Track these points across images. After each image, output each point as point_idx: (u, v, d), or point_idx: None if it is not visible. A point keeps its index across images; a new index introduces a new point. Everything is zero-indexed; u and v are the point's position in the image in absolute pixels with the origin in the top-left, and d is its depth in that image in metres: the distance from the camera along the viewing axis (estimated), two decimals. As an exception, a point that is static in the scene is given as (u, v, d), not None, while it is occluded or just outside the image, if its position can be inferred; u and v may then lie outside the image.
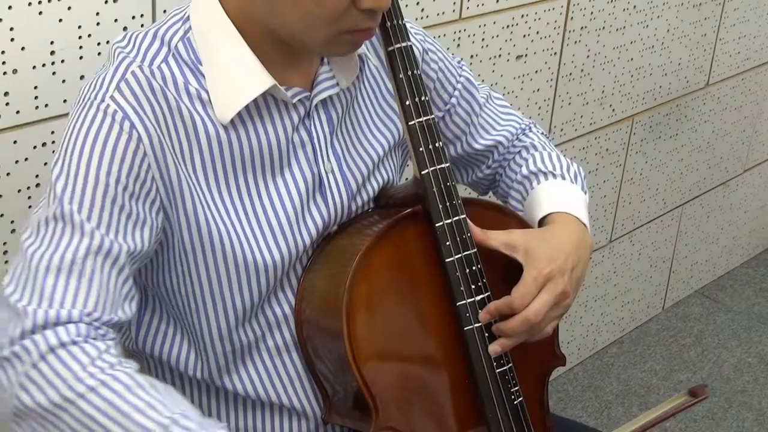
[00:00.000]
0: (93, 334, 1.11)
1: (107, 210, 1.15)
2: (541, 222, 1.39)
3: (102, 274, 1.14)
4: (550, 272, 1.28)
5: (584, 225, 1.38)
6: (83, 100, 1.19)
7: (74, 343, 1.09)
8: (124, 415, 1.06)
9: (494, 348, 1.29)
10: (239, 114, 1.22)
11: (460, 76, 1.47)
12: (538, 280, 1.28)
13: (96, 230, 1.14)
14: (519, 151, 1.50)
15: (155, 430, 1.06)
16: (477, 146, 1.50)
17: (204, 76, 1.21)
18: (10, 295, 1.12)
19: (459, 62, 1.49)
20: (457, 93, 1.47)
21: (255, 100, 1.23)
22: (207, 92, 1.21)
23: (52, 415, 1.07)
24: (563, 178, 1.44)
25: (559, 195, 1.41)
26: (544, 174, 1.44)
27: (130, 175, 1.16)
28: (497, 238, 1.31)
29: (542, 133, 1.55)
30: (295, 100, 1.26)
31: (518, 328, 1.27)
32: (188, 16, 1.24)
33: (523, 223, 1.39)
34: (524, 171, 1.46)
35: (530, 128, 1.54)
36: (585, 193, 1.45)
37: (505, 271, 1.32)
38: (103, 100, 1.17)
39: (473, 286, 1.28)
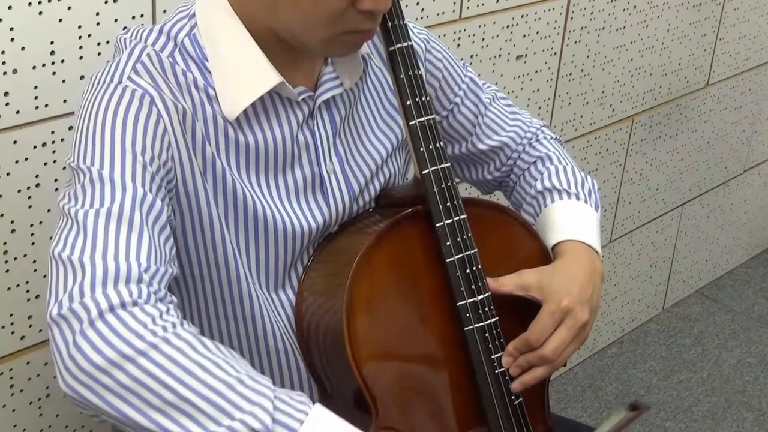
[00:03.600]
0: (153, 298, 1.05)
1: (139, 174, 1.12)
2: (553, 249, 1.39)
3: (148, 228, 1.10)
4: (567, 305, 1.28)
5: (595, 251, 1.38)
6: (98, 83, 1.18)
7: (135, 303, 1.03)
8: (187, 373, 1.00)
9: (515, 386, 1.30)
10: (245, 111, 1.22)
11: (465, 76, 1.47)
12: (555, 314, 1.28)
13: (136, 184, 1.11)
14: (534, 162, 1.50)
15: (219, 388, 1.00)
16: (483, 146, 1.50)
17: (210, 73, 1.21)
18: (60, 252, 1.07)
19: (464, 63, 1.49)
20: (461, 93, 1.47)
21: (261, 98, 1.22)
22: (213, 89, 1.21)
23: (106, 374, 0.99)
24: (577, 196, 1.43)
25: (571, 219, 1.41)
26: (558, 192, 1.44)
27: (154, 147, 1.14)
28: (509, 283, 1.32)
29: (555, 139, 1.54)
30: (300, 99, 1.26)
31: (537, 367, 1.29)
32: (194, 13, 1.23)
33: (523, 225, 1.39)
34: (538, 186, 1.46)
35: (543, 132, 1.53)
36: (598, 209, 1.45)
37: (516, 302, 1.32)
38: (120, 81, 1.16)
39: (473, 287, 1.28)
